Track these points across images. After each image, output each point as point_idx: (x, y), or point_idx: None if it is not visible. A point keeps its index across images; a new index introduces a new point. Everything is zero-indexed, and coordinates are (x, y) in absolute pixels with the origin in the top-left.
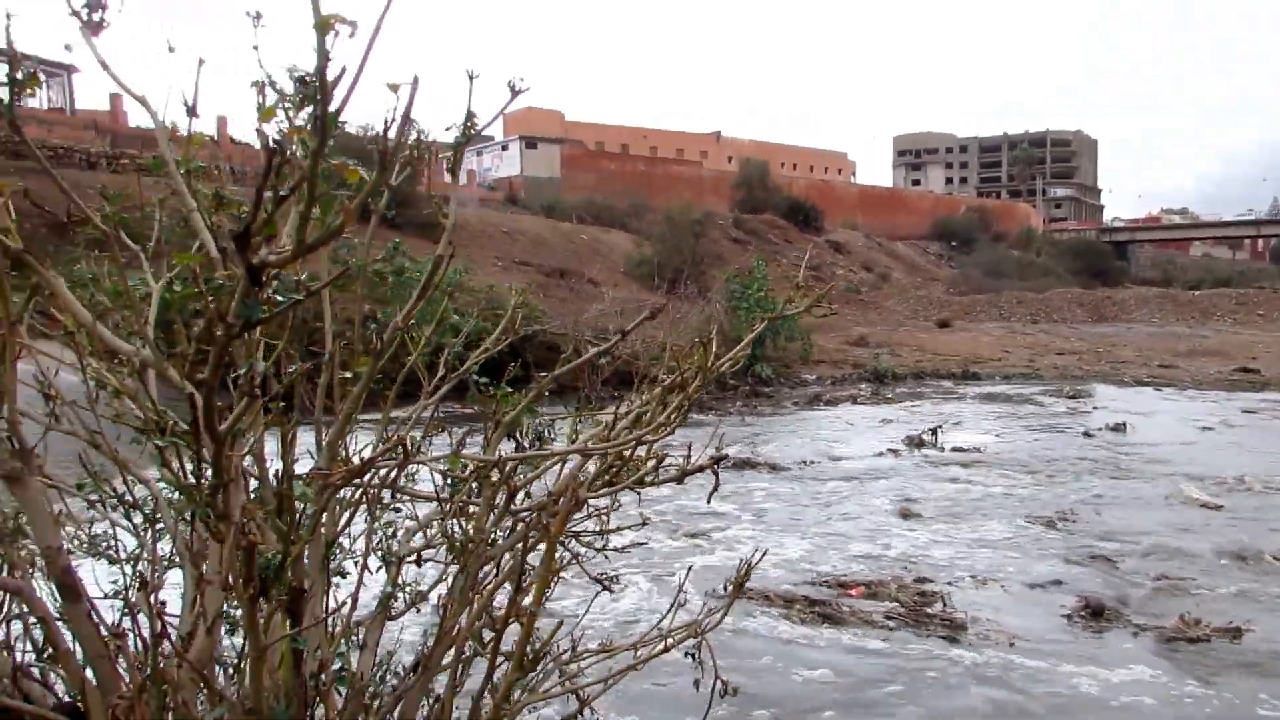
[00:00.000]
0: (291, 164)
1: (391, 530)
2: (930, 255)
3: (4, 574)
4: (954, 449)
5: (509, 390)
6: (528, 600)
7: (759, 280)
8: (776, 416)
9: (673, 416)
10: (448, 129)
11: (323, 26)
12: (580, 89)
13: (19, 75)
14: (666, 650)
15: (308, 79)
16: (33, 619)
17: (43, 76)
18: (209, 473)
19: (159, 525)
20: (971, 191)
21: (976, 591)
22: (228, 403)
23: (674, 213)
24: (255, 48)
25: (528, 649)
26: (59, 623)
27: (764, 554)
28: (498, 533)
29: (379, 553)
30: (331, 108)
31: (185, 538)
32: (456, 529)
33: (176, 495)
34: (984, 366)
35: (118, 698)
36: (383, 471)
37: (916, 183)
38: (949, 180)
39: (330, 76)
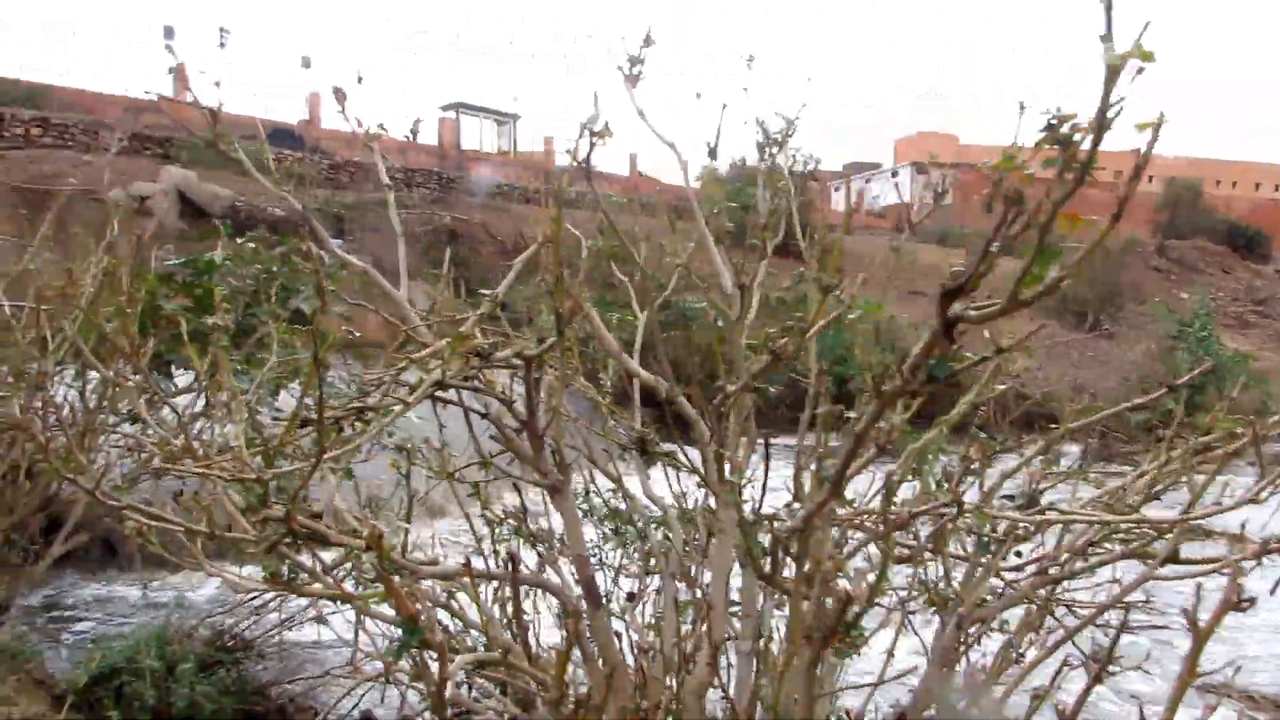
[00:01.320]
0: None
1: None
2: None
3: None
4: None
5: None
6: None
7: (1201, 316)
8: (1224, 477)
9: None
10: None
11: (1114, 68)
12: (975, 109)
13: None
14: None
15: (1053, 120)
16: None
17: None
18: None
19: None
20: None
21: None
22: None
23: (1084, 240)
24: (745, 89)
25: None
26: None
27: None
28: (985, 592)
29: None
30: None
31: (677, 558)
32: (925, 577)
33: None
34: None
35: (621, 706)
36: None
37: None
38: None
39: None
